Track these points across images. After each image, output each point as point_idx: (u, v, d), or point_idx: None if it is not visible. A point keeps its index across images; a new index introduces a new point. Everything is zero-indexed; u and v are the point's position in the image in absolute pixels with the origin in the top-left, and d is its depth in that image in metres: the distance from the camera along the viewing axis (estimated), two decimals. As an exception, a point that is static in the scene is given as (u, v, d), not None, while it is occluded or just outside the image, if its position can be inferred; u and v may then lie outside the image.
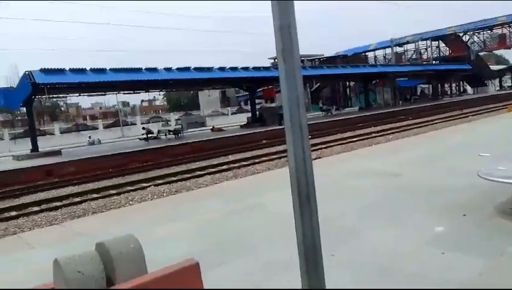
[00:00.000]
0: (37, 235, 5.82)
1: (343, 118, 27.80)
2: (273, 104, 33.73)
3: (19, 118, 38.13)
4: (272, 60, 62.25)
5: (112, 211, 8.75)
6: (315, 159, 12.17)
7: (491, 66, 59.05)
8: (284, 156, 14.84)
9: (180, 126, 24.91)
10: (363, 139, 17.75)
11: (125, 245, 1.47)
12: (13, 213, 9.99)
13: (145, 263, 1.49)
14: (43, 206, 10.40)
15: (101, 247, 1.47)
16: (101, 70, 19.15)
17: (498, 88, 58.60)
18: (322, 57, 55.57)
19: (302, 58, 52.19)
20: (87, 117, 58.68)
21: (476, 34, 48.37)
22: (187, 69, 22.42)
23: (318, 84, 46.04)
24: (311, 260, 1.98)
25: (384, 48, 55.23)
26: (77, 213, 9.51)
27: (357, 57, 55.37)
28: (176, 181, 12.15)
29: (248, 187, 7.25)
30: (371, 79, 38.68)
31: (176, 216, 5.51)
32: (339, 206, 4.95)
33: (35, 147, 19.50)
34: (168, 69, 21.66)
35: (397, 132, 19.54)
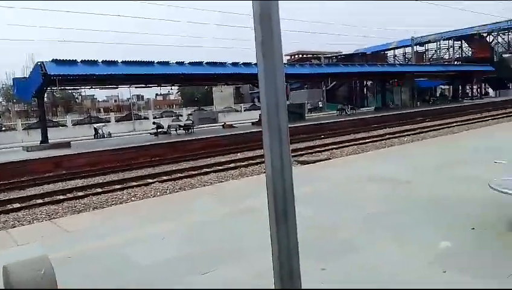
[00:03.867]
0: (27, 232, 5.61)
1: (358, 118, 27.19)
2: (288, 102, 33.33)
3: (34, 108, 38.60)
4: (289, 57, 61.82)
5: (111, 207, 8.54)
6: (325, 160, 11.76)
7: (515, 69, 57.15)
8: (297, 155, 14.49)
9: (191, 122, 24.71)
10: (376, 141, 17.21)
11: (34, 270, 1.16)
12: (16, 205, 9.89)
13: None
14: (47, 199, 10.29)
15: (5, 272, 1.17)
16: (113, 63, 19.06)
17: (522, 91, 56.66)
18: (340, 54, 54.75)
19: (319, 56, 51.59)
20: (101, 110, 59.23)
21: (501, 34, 46.77)
22: (199, 63, 22.19)
23: (334, 83, 45.33)
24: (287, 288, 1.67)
25: (405, 46, 54.05)
26: (78, 208, 9.34)
27: (376, 56, 54.35)
28: (181, 178, 11.92)
29: (252, 187, 6.92)
30: (389, 78, 37.81)
31: (172, 215, 5.26)
32: (339, 215, 4.57)
33: (45, 139, 19.57)
34: (180, 63, 21.45)
35: (413, 134, 18.90)
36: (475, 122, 22.69)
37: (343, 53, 55.56)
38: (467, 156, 8.04)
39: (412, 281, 2.83)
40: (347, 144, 16.80)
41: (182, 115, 34.88)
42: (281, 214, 1.60)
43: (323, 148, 15.87)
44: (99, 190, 11.10)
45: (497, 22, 44.78)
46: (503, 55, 48.82)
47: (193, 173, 12.52)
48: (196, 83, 33.48)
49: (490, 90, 55.13)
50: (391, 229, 3.97)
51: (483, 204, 4.35)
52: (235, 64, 23.62)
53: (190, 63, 21.88)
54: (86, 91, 43.83)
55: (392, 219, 4.32)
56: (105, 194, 10.45)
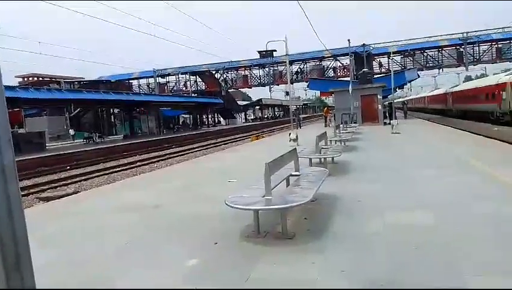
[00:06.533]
0: None
1: (107, 146, 26.28)
2: (23, 130, 28.76)
3: None
4: (20, 79, 53.79)
5: None
6: (73, 193, 10.72)
7: (238, 102, 69.65)
8: (38, 191, 12.55)
9: None
10: (127, 169, 17.12)
11: None
12: None
13: None
14: None
15: None
16: None
17: (244, 120, 69.49)
18: (83, 80, 51.92)
19: (58, 80, 47.21)
20: None
21: (226, 73, 56.10)
22: None
23: (79, 109, 42.31)
24: None
25: (148, 77, 56.84)
26: None
27: (121, 84, 54.48)
28: None
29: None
30: (136, 107, 38.58)
31: None
32: (90, 251, 4.28)
33: None
34: None
35: (162, 160, 19.90)
36: (212, 147, 26.12)
37: (86, 79, 53.02)
38: (208, 178, 9.13)
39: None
40: (97, 174, 15.97)
41: None
42: (11, 269, 1.36)
43: (70, 181, 14.47)
44: None
45: (222, 62, 53.47)
46: (228, 90, 58.73)
47: None
48: None
49: (222, 119, 64.89)
50: (145, 254, 4.04)
51: (222, 219, 5.02)
52: None
53: None
54: None
55: (146, 244, 4.41)
56: None
